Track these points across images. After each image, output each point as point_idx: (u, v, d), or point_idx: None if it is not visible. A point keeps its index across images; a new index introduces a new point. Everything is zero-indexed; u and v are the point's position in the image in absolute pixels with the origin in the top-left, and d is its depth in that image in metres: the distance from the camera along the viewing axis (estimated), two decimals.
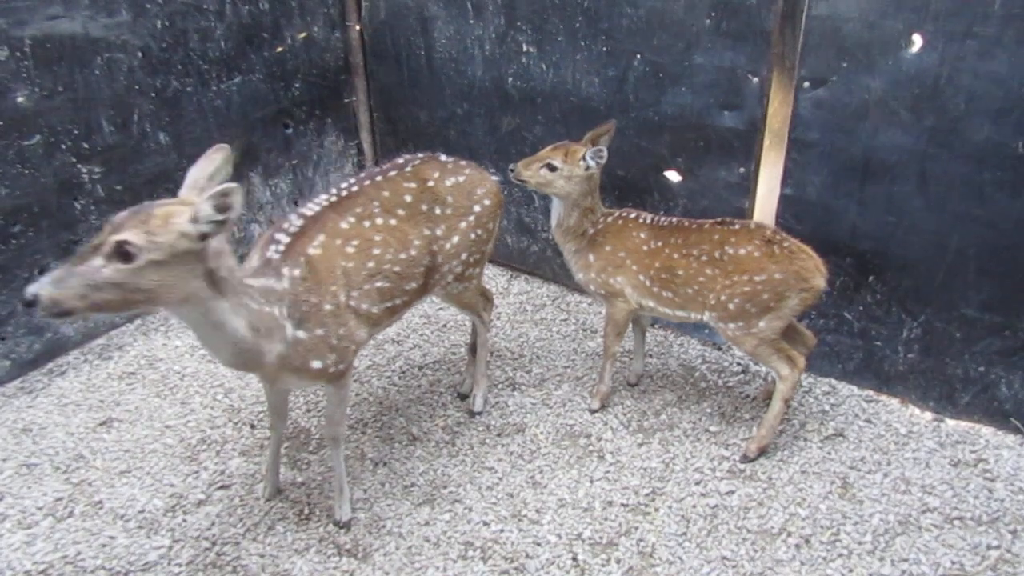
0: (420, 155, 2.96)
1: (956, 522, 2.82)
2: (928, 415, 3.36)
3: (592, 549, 2.76)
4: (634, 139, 3.71)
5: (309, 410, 3.45)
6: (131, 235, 1.88)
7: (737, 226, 3.02)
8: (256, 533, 2.83)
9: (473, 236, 2.94)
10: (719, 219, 3.08)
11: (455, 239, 2.88)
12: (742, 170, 3.51)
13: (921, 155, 3.02)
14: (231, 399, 3.52)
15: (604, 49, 3.65)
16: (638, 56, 3.56)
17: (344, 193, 2.69)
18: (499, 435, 3.31)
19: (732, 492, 2.97)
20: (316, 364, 2.46)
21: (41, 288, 1.87)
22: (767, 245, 2.92)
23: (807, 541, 2.76)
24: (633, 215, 3.23)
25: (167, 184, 3.87)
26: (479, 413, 3.41)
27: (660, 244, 3.10)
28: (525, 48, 3.88)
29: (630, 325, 3.45)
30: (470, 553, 2.74)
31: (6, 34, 3.20)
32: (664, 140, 3.65)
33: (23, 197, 3.40)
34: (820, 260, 2.94)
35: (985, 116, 2.85)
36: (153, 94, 3.75)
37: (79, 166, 3.56)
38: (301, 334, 2.38)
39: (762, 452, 3.13)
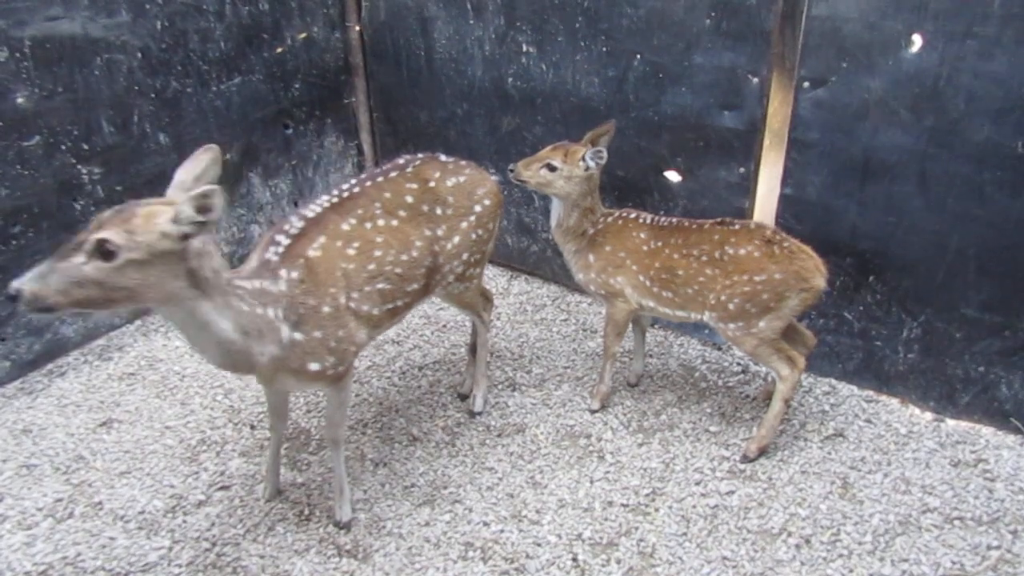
0: (420, 155, 2.95)
1: (956, 522, 2.82)
2: (928, 415, 3.36)
3: (592, 549, 2.75)
4: (634, 139, 3.71)
5: (309, 411, 3.45)
6: (112, 234, 1.90)
7: (737, 226, 3.02)
8: (256, 534, 2.83)
9: (474, 236, 2.94)
10: (719, 219, 3.08)
11: (456, 239, 2.88)
12: (742, 170, 3.51)
13: (921, 155, 3.02)
14: (231, 400, 3.52)
15: (604, 49, 3.65)
16: (638, 56, 3.56)
17: (345, 194, 2.68)
18: (499, 435, 3.31)
19: (732, 492, 2.97)
20: (314, 366, 2.45)
21: (23, 284, 1.89)
22: (767, 245, 2.92)
23: (807, 541, 2.76)
24: (633, 215, 3.23)
25: (167, 185, 3.85)
26: (479, 413, 3.41)
27: (660, 244, 3.10)
28: (525, 48, 3.88)
29: (630, 325, 3.45)
30: (470, 554, 2.74)
31: (6, 35, 3.20)
32: (664, 140, 3.65)
33: (23, 198, 3.40)
34: (820, 260, 2.94)
35: (985, 116, 2.85)
36: (153, 95, 3.75)
37: (79, 167, 3.56)
38: (298, 336, 2.38)
39: (762, 452, 3.13)
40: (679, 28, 3.41)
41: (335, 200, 2.65)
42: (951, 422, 3.32)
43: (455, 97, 4.25)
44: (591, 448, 3.23)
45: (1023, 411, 3.18)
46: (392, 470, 3.13)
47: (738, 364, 3.72)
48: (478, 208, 2.93)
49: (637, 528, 2.83)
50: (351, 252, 2.55)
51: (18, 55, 3.25)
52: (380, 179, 2.78)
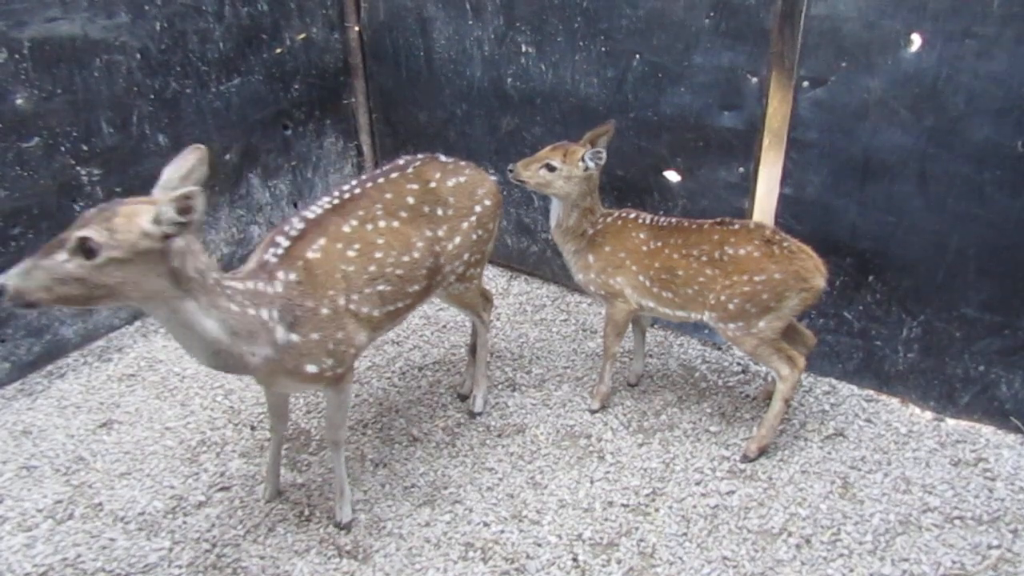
0: (420, 156, 2.95)
1: (957, 521, 2.82)
2: (928, 415, 3.36)
3: (593, 549, 2.75)
4: (633, 139, 3.71)
5: (309, 411, 3.45)
6: (93, 232, 1.91)
7: (737, 226, 3.02)
8: (256, 535, 2.83)
9: (474, 236, 2.94)
10: (719, 219, 3.08)
11: (457, 240, 2.88)
12: (741, 170, 3.51)
13: (921, 155, 3.02)
14: (231, 401, 3.52)
15: (603, 49, 3.65)
16: (637, 56, 3.56)
17: (346, 195, 2.68)
18: (499, 436, 3.31)
19: (732, 492, 2.97)
20: (311, 368, 2.45)
21: (7, 279, 1.90)
22: (767, 245, 2.92)
23: (808, 541, 2.76)
24: (632, 215, 3.23)
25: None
26: (479, 414, 3.41)
27: (660, 244, 3.10)
28: (524, 49, 3.88)
29: (630, 325, 3.45)
30: (470, 554, 2.74)
31: (5, 36, 3.20)
32: (663, 140, 3.65)
33: (22, 199, 3.40)
34: (820, 260, 2.94)
35: (985, 116, 2.85)
36: (152, 96, 3.75)
37: (78, 168, 3.56)
38: (294, 338, 2.37)
39: (762, 452, 3.13)
40: (678, 28, 3.41)
41: (336, 201, 2.65)
42: (951, 421, 3.32)
43: (454, 98, 4.25)
44: (591, 448, 3.23)
45: (1023, 410, 3.18)
46: (392, 471, 3.13)
47: (738, 364, 3.72)
48: (479, 208, 2.93)
49: (637, 528, 2.83)
50: (351, 254, 2.55)
51: (17, 56, 3.25)
52: (381, 180, 2.78)
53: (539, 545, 2.77)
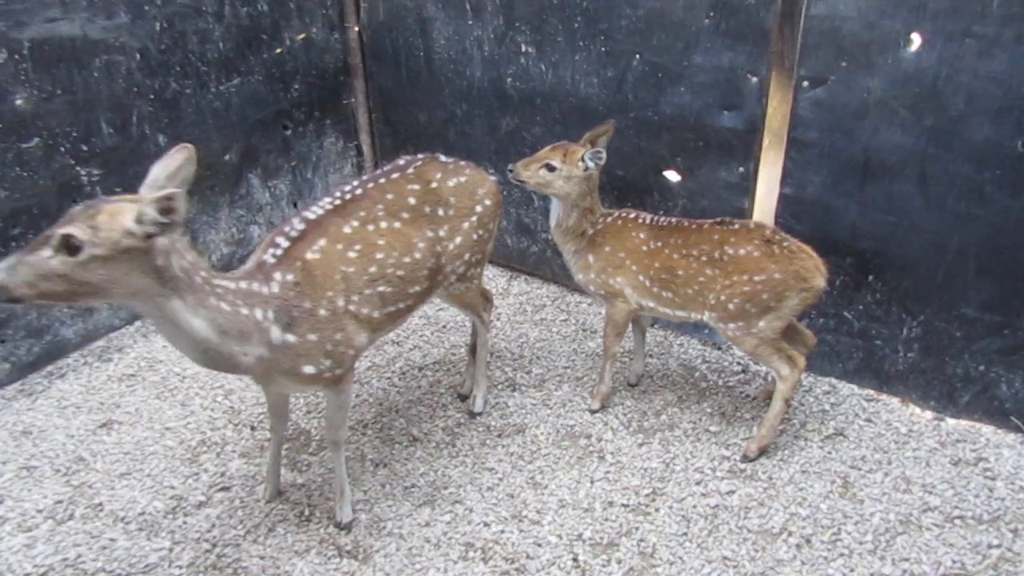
0: (420, 156, 2.95)
1: (957, 521, 2.82)
2: (928, 414, 3.36)
3: (593, 549, 2.75)
4: (633, 139, 3.71)
5: (309, 411, 3.45)
6: (76, 229, 1.92)
7: (737, 226, 3.02)
8: (257, 535, 2.83)
9: (475, 236, 2.94)
10: (719, 219, 3.08)
11: (458, 240, 2.88)
12: (741, 170, 3.51)
13: (921, 155, 3.02)
14: (231, 401, 3.52)
15: (603, 49, 3.65)
16: (637, 56, 3.56)
17: (348, 196, 2.68)
18: (499, 436, 3.31)
19: (733, 492, 2.97)
20: (308, 369, 2.44)
21: None
22: (767, 245, 2.92)
23: (808, 541, 2.76)
24: (632, 215, 3.23)
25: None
26: (479, 414, 3.41)
27: (660, 244, 3.10)
28: (524, 49, 3.88)
29: (630, 325, 3.45)
30: (471, 554, 2.74)
31: (5, 36, 3.20)
32: (663, 140, 3.65)
33: (22, 199, 3.40)
34: (820, 260, 2.94)
35: (985, 116, 2.85)
36: (152, 96, 3.75)
37: (78, 168, 3.56)
38: (291, 338, 2.37)
39: (762, 452, 3.13)
40: (678, 28, 3.41)
41: (337, 202, 2.64)
42: (951, 421, 3.32)
43: (454, 98, 4.25)
44: (591, 448, 3.23)
45: (1023, 410, 3.18)
46: (392, 471, 3.13)
47: (738, 364, 3.72)
48: (479, 208, 2.93)
49: (637, 528, 2.83)
50: (352, 255, 2.54)
51: (17, 57, 3.25)
52: (382, 180, 2.77)
53: (539, 545, 2.77)
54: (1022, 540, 2.74)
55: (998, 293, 3.06)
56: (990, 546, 2.72)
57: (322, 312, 2.43)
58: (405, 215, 2.72)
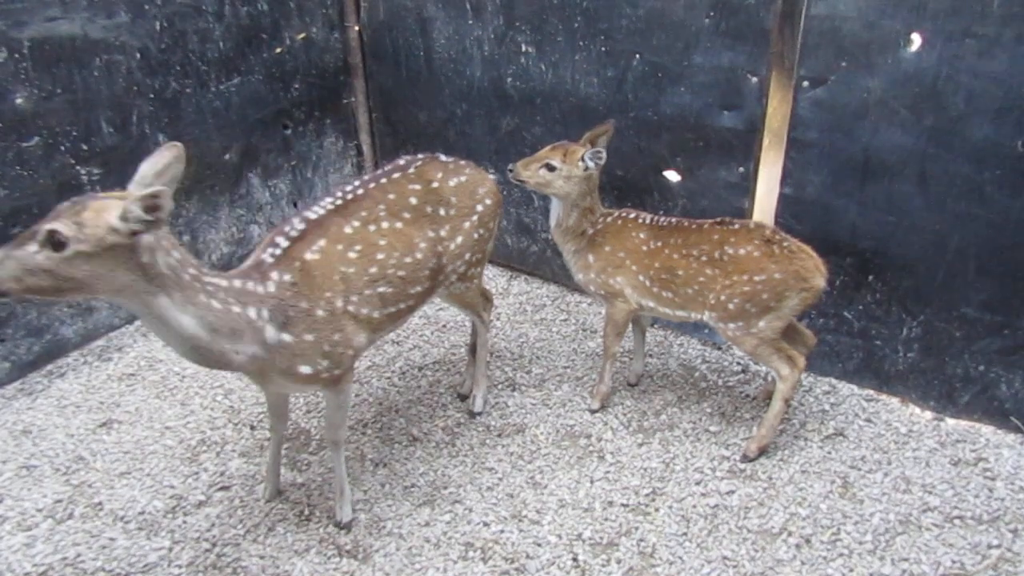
0: (421, 156, 2.95)
1: (957, 521, 2.82)
2: (928, 414, 3.36)
3: (592, 549, 2.75)
4: (633, 139, 3.71)
5: (309, 411, 3.45)
6: (61, 225, 1.93)
7: (737, 226, 3.02)
8: (256, 534, 2.83)
9: (476, 236, 2.94)
10: (718, 219, 3.08)
11: (459, 239, 2.88)
12: (741, 170, 3.51)
13: (921, 155, 3.02)
14: (231, 400, 3.52)
15: (603, 49, 3.65)
16: (637, 56, 3.56)
17: (349, 196, 2.67)
18: (499, 436, 3.31)
19: (732, 492, 2.97)
20: (305, 369, 2.44)
21: None
22: (767, 245, 2.92)
23: (808, 541, 2.76)
24: (632, 215, 3.23)
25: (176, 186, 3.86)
26: (479, 414, 3.41)
27: (660, 244, 3.10)
28: (524, 48, 3.88)
29: (630, 325, 3.45)
30: (470, 554, 2.74)
31: (5, 36, 3.20)
32: (663, 140, 3.65)
33: (22, 199, 3.40)
34: (820, 260, 2.94)
35: (985, 115, 2.85)
36: (152, 95, 3.75)
37: (78, 167, 3.56)
38: (287, 338, 2.36)
39: (762, 452, 3.13)
40: (678, 28, 3.41)
41: (338, 202, 2.64)
42: (951, 421, 3.32)
43: (454, 97, 4.25)
44: (591, 448, 3.22)
45: (1023, 410, 3.18)
46: (392, 470, 3.13)
47: (738, 364, 3.72)
48: (480, 208, 2.93)
49: (637, 528, 2.83)
50: (352, 255, 2.54)
51: (17, 56, 3.25)
52: (383, 180, 2.77)
53: (539, 545, 2.77)
54: (1022, 540, 2.74)
55: (998, 293, 3.06)
56: (990, 546, 2.72)
57: (319, 312, 2.43)
58: (406, 215, 2.72)
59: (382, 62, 4.47)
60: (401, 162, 2.91)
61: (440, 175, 2.86)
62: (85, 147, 3.56)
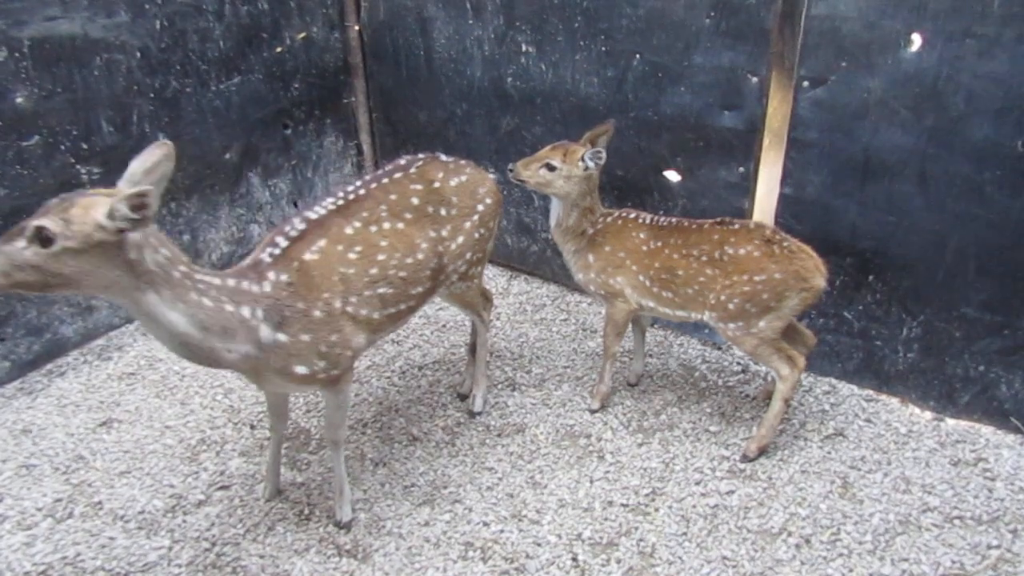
0: (421, 155, 2.95)
1: (956, 521, 2.82)
2: (928, 414, 3.36)
3: (592, 549, 2.75)
4: (633, 139, 3.71)
5: (309, 411, 3.45)
6: (48, 221, 1.95)
7: (737, 226, 3.02)
8: (256, 534, 2.83)
9: (477, 235, 2.94)
10: (719, 219, 3.08)
11: (460, 239, 2.88)
12: (741, 170, 3.51)
13: (921, 155, 3.02)
14: (231, 399, 3.52)
15: (603, 49, 3.65)
16: (637, 56, 3.56)
17: (351, 197, 2.67)
18: (499, 435, 3.31)
19: (732, 492, 2.97)
20: (300, 369, 2.43)
21: None
22: (767, 245, 2.92)
23: (807, 541, 2.76)
24: (632, 215, 3.23)
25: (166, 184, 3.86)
26: (479, 413, 3.41)
27: (660, 244, 3.10)
28: (524, 48, 3.88)
29: (630, 325, 3.45)
30: (470, 553, 2.74)
31: (5, 35, 3.20)
32: (663, 140, 3.65)
33: (22, 198, 3.40)
34: (820, 260, 2.94)
35: (985, 116, 2.85)
36: (152, 95, 3.75)
37: (78, 167, 3.56)
38: (282, 338, 2.36)
39: (762, 452, 3.13)
40: (678, 28, 3.41)
41: (340, 202, 2.64)
42: (951, 421, 3.32)
43: (454, 97, 4.25)
44: (591, 448, 3.22)
45: (1023, 410, 3.18)
46: (392, 470, 3.13)
47: (738, 364, 3.72)
48: (481, 207, 2.93)
49: (637, 528, 2.83)
50: (352, 256, 2.54)
51: (17, 55, 3.25)
52: (385, 181, 2.77)
53: (539, 545, 2.77)
54: (1021, 540, 2.74)
55: (998, 293, 3.06)
56: (989, 546, 2.72)
57: (316, 313, 2.42)
58: (408, 215, 2.71)
59: (382, 62, 4.47)
60: (402, 162, 2.91)
61: (441, 175, 2.86)
62: (85, 146, 3.56)
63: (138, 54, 3.64)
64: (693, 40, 3.39)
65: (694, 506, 2.91)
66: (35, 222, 1.95)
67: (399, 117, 4.59)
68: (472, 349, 3.48)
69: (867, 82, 3.02)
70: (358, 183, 2.76)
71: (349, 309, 2.51)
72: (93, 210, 1.97)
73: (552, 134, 3.79)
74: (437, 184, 2.83)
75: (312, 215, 2.58)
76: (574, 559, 2.71)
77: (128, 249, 2.03)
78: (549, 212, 3.29)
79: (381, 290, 2.59)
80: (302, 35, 4.32)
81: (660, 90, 3.57)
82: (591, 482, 3.04)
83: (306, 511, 2.93)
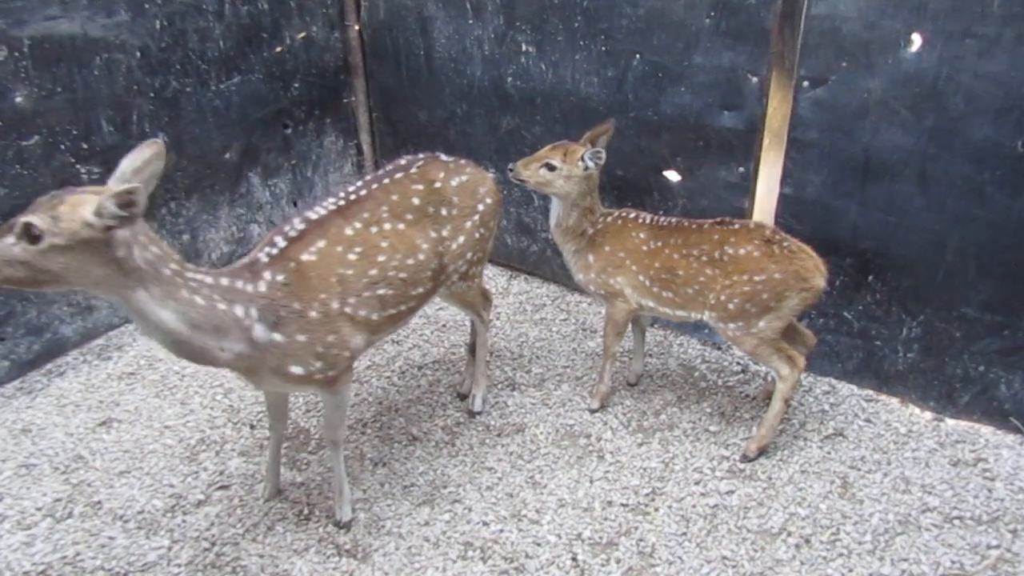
0: (421, 155, 2.95)
1: (956, 521, 2.82)
2: (928, 415, 3.36)
3: (592, 549, 2.75)
4: (633, 139, 3.70)
5: (309, 411, 3.45)
6: (37, 218, 1.96)
7: (737, 226, 3.02)
8: (256, 533, 2.83)
9: (477, 235, 2.94)
10: (719, 219, 3.08)
11: (461, 239, 2.88)
12: (741, 170, 3.50)
13: (921, 155, 3.02)
14: (231, 399, 3.52)
15: (603, 49, 3.65)
16: (637, 56, 3.56)
17: (352, 197, 2.67)
18: (499, 435, 3.30)
19: (732, 492, 2.97)
20: (296, 369, 2.43)
21: None
22: (767, 245, 2.92)
23: (807, 541, 2.76)
24: (632, 215, 3.22)
25: (166, 184, 3.87)
26: (479, 413, 3.41)
27: (660, 244, 3.10)
28: (524, 48, 3.88)
29: (629, 325, 3.45)
30: (470, 553, 2.74)
31: (5, 34, 3.20)
32: (663, 140, 3.65)
33: (22, 198, 3.39)
34: (820, 260, 2.94)
35: (985, 116, 2.85)
36: (152, 94, 3.75)
37: (78, 166, 3.56)
38: (277, 338, 2.36)
39: (762, 452, 3.13)
40: (678, 28, 3.41)
41: (341, 203, 2.64)
42: (951, 421, 3.32)
43: (454, 97, 4.25)
44: (591, 448, 3.22)
45: (1022, 410, 3.18)
46: (391, 470, 3.13)
47: (738, 364, 3.72)
48: (481, 207, 2.93)
49: (637, 528, 2.83)
50: (352, 257, 2.53)
51: (17, 54, 3.25)
52: (386, 181, 2.76)
53: (538, 544, 2.77)
54: (1021, 541, 2.74)
55: (998, 293, 3.05)
56: (989, 547, 2.72)
57: (312, 314, 2.42)
58: (409, 216, 2.71)
59: (382, 61, 4.47)
60: (402, 162, 2.90)
61: (442, 175, 2.86)
62: (85, 146, 3.56)
63: (138, 54, 3.64)
64: (693, 40, 3.39)
65: (694, 506, 2.91)
66: (24, 219, 1.96)
67: (399, 117, 4.59)
68: (472, 349, 3.48)
69: (867, 82, 3.02)
70: (359, 183, 2.75)
71: (347, 310, 2.51)
72: (81, 208, 1.98)
73: (552, 134, 3.79)
74: (438, 184, 2.83)
75: (312, 215, 2.58)
76: (574, 559, 2.71)
77: (116, 247, 2.04)
78: (549, 212, 3.29)
79: (381, 291, 2.59)
80: (302, 35, 4.32)
81: (660, 90, 3.57)
82: (591, 482, 3.04)
83: (306, 511, 2.92)
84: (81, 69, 3.46)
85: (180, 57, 3.81)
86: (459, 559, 2.72)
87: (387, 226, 2.64)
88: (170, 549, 2.76)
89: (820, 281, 2.91)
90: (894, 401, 3.44)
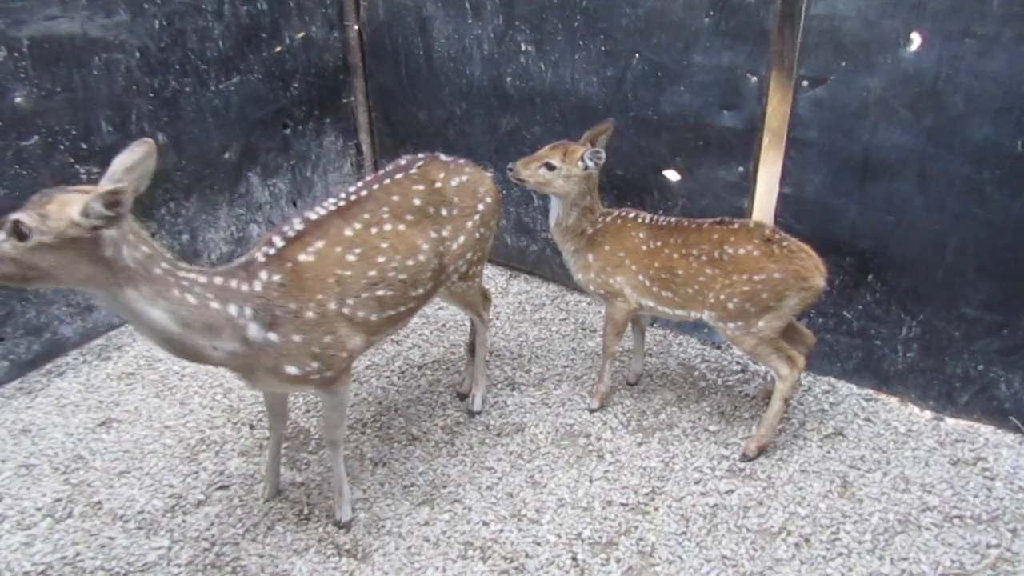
0: (421, 155, 2.94)
1: (956, 521, 2.83)
2: (927, 414, 3.36)
3: (592, 549, 2.75)
4: (633, 138, 3.70)
5: (308, 411, 3.45)
6: (26, 216, 1.98)
7: (736, 225, 3.02)
8: (255, 533, 2.83)
9: (477, 235, 2.94)
10: (718, 218, 3.08)
11: (461, 239, 2.88)
12: (741, 169, 3.51)
13: (920, 154, 3.02)
14: (230, 399, 3.52)
15: (603, 48, 3.65)
16: (637, 55, 3.56)
17: (352, 198, 2.67)
18: (498, 435, 3.31)
19: (732, 491, 2.97)
20: (292, 370, 2.43)
21: None
22: (766, 244, 2.92)
23: (807, 540, 2.76)
24: (632, 215, 3.22)
25: (165, 184, 3.87)
26: (478, 413, 3.41)
27: (659, 244, 3.10)
28: (524, 48, 3.88)
29: (629, 324, 3.45)
30: (470, 553, 2.74)
31: (4, 34, 3.20)
32: (663, 139, 3.65)
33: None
34: (819, 259, 2.94)
35: (984, 115, 2.85)
36: (151, 94, 3.74)
37: (77, 166, 3.55)
38: (273, 338, 2.36)
39: (761, 451, 3.13)
40: (678, 27, 3.41)
41: (341, 203, 2.64)
42: (950, 421, 3.32)
43: (454, 97, 4.24)
44: (590, 447, 3.22)
45: (1022, 410, 3.19)
46: (391, 469, 3.13)
47: (737, 363, 3.72)
48: (481, 207, 2.93)
49: (636, 527, 2.83)
50: (351, 258, 2.53)
51: (16, 55, 3.25)
52: (387, 181, 2.76)
53: (538, 544, 2.77)
54: (1021, 540, 2.74)
55: (998, 293, 3.06)
56: (988, 546, 2.72)
57: (308, 314, 2.42)
58: (410, 217, 2.71)
59: (382, 61, 4.47)
60: (402, 162, 2.90)
61: (442, 175, 2.86)
62: (84, 146, 3.55)
63: (137, 54, 3.64)
64: (693, 40, 3.39)
65: (693, 505, 2.91)
66: (13, 216, 1.98)
67: (399, 117, 4.58)
68: (471, 348, 3.48)
69: (867, 82, 3.02)
70: (359, 184, 2.75)
71: (345, 311, 2.50)
72: (68, 207, 1.99)
73: (551, 134, 3.79)
74: (438, 184, 2.82)
75: (312, 216, 2.58)
76: (574, 558, 2.71)
77: (104, 246, 2.05)
78: (549, 212, 3.29)
79: (380, 292, 2.59)
80: (301, 35, 4.32)
81: (660, 89, 3.57)
82: (591, 481, 3.04)
83: (305, 511, 2.92)
84: (80, 69, 3.46)
85: (179, 57, 3.81)
86: (459, 559, 2.72)
87: (387, 227, 2.64)
88: (170, 549, 2.76)
89: (820, 281, 2.91)
90: (894, 400, 3.44)
